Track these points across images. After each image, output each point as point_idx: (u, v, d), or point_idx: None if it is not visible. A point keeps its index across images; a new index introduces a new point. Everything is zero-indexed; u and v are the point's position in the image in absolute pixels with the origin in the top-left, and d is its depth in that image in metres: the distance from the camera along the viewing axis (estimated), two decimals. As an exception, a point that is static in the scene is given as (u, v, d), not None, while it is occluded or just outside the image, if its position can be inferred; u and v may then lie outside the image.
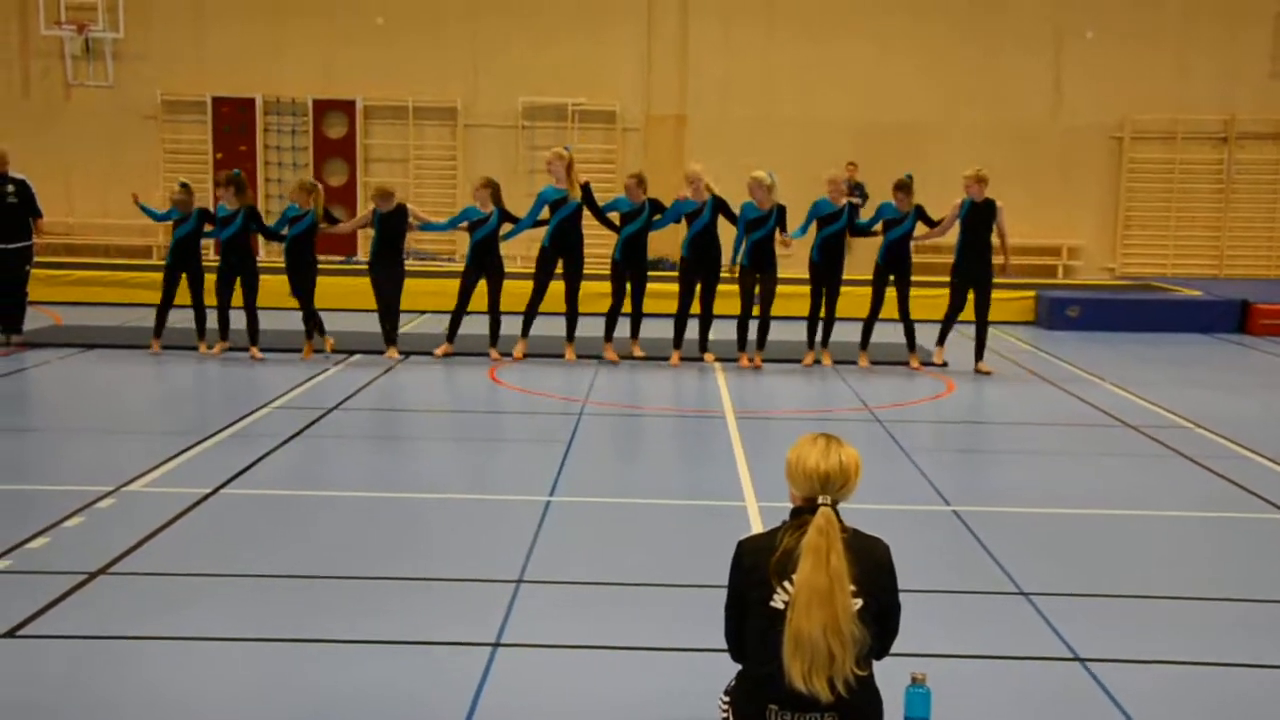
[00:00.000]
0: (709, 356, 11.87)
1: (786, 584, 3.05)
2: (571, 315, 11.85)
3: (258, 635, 4.83)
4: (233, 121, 20.75)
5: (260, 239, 13.70)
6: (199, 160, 20.59)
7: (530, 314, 11.85)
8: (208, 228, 11.91)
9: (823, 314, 11.82)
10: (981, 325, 11.73)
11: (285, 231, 11.56)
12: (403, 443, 8.70)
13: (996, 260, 11.67)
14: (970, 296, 11.68)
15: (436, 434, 9.05)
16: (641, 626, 5.01)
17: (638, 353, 11.96)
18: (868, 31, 20.62)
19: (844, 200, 11.81)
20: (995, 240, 11.66)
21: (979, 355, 11.81)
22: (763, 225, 11.54)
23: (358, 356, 11.91)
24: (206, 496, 6.81)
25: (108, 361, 11.67)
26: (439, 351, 11.94)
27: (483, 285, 11.83)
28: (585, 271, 11.96)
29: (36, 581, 5.34)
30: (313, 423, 8.94)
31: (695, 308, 11.84)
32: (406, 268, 12.13)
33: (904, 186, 11.71)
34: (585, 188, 11.65)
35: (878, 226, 11.83)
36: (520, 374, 11.25)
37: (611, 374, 11.36)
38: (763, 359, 11.88)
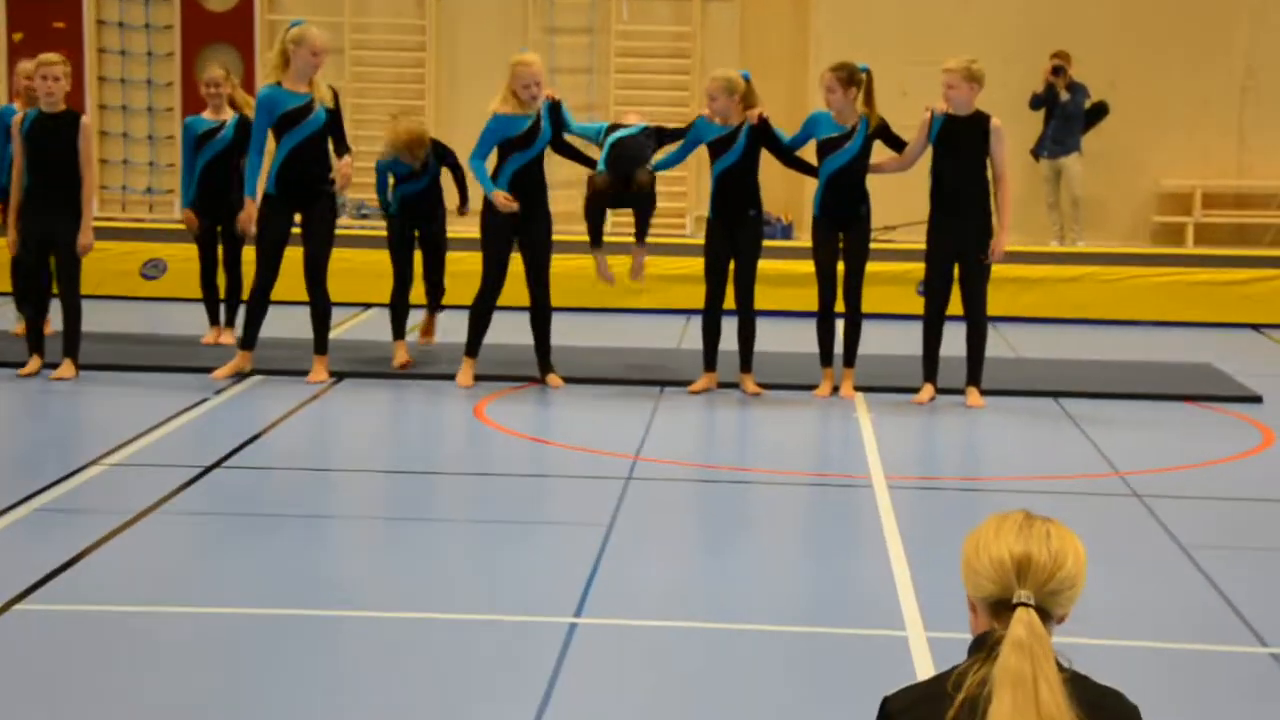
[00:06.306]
0: (749, 384, 10.84)
1: (970, 749, 3.15)
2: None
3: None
4: None
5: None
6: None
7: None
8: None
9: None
10: (974, 326, 10.36)
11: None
12: (325, 524, 8.22)
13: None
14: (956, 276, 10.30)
15: (380, 509, 8.65)
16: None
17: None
18: None
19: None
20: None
21: (971, 377, 10.43)
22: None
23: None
24: (-3, 614, 6.50)
25: None
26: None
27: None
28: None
29: None
30: (180, 489, 8.33)
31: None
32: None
33: (848, 79, 10.05)
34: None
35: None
36: (519, 412, 10.55)
37: (673, 412, 10.60)
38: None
